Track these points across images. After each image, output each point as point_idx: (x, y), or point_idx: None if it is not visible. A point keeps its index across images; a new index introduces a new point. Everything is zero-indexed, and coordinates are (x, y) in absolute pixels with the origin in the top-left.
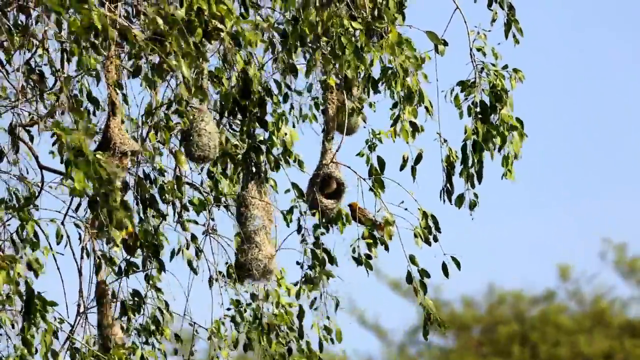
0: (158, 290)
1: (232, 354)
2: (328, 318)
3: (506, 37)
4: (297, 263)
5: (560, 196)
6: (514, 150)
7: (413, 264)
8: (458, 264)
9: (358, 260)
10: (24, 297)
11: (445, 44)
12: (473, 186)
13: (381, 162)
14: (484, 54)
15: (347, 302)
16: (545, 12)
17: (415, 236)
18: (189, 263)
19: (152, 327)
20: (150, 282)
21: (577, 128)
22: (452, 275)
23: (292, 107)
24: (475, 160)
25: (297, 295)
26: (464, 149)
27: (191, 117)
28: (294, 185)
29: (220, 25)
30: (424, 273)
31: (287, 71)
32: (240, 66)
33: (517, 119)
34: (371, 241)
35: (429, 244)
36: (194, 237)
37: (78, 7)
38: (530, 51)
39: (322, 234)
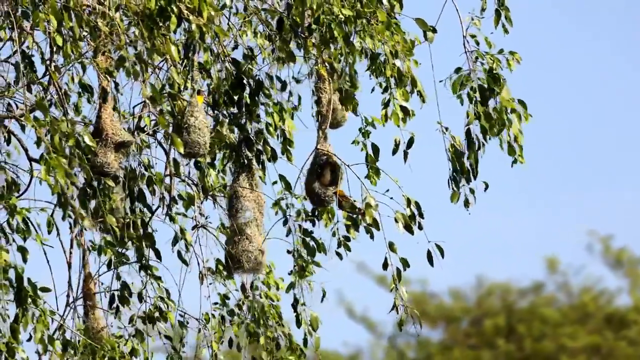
0: (158, 278)
1: (220, 347)
2: None
3: (495, 26)
4: (288, 252)
5: (547, 189)
6: (513, 133)
7: (392, 251)
8: (442, 252)
9: (339, 254)
10: (14, 284)
11: (434, 31)
12: (469, 181)
13: (376, 149)
14: (477, 43)
15: (335, 295)
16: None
17: (396, 221)
18: (179, 255)
19: (156, 314)
20: (149, 271)
21: (562, 121)
22: (441, 267)
23: (290, 95)
24: (472, 155)
25: (288, 289)
26: (468, 133)
27: (183, 110)
28: (281, 177)
29: (191, 17)
30: (404, 262)
31: (286, 59)
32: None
33: (520, 101)
34: (349, 223)
35: (412, 232)
36: (182, 230)
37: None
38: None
39: (311, 220)
